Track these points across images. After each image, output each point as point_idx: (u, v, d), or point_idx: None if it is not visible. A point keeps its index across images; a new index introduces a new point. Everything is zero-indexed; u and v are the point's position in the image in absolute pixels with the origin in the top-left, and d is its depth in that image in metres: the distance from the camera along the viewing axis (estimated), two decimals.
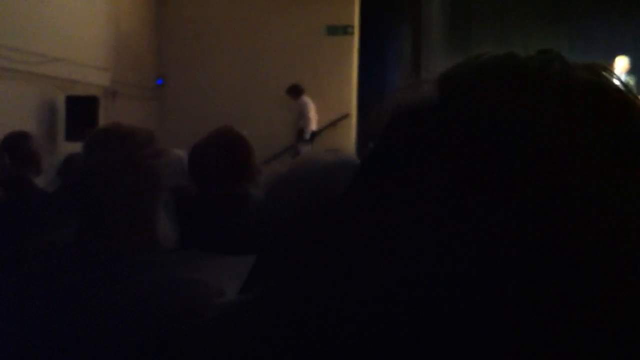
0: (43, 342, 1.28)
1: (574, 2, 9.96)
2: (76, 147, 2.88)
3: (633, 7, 9.81)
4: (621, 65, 8.71)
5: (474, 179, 0.43)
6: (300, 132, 9.23)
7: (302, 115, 9.24)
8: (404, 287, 0.43)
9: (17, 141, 3.70)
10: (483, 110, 0.44)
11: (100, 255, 1.34)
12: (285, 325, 0.50)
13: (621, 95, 0.46)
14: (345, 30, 9.58)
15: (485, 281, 0.41)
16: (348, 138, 9.40)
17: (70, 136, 7.26)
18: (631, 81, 8.70)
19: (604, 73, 0.47)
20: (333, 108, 9.57)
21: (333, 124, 9.57)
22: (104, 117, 7.91)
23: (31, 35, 7.01)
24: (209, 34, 9.68)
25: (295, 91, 9.23)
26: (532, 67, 0.47)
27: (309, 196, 1.24)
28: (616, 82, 0.47)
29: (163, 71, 9.92)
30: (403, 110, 0.48)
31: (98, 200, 1.36)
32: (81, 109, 7.52)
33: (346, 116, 9.66)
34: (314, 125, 9.30)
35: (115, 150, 1.36)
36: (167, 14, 9.88)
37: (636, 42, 9.80)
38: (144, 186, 1.36)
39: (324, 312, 0.47)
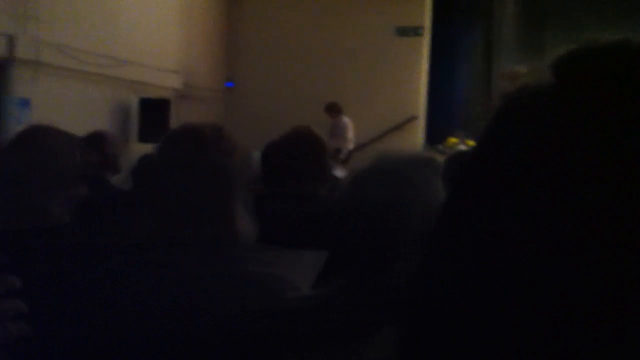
0: (133, 332, 1.31)
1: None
2: (148, 148, 2.94)
3: None
4: None
5: (595, 170, 0.40)
6: (337, 152, 8.46)
7: (341, 135, 8.85)
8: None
9: (97, 140, 3.79)
10: (606, 95, 0.42)
11: (173, 250, 1.36)
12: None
13: None
14: (416, 31, 9.51)
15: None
16: (415, 140, 9.33)
17: (143, 138, 7.43)
18: None
19: None
20: (400, 110, 9.51)
21: (400, 126, 9.51)
22: (175, 119, 8.08)
23: (105, 38, 7.21)
24: (279, 37, 9.76)
25: (334, 110, 8.98)
26: None
27: (392, 189, 1.23)
28: None
29: (233, 74, 10.06)
30: (516, 95, 0.45)
31: (170, 196, 1.38)
32: (153, 111, 7.69)
33: (414, 118, 9.59)
34: (350, 146, 9.01)
35: (185, 147, 1.38)
36: (237, 17, 10.02)
37: None
38: (215, 181, 1.37)
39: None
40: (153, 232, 1.40)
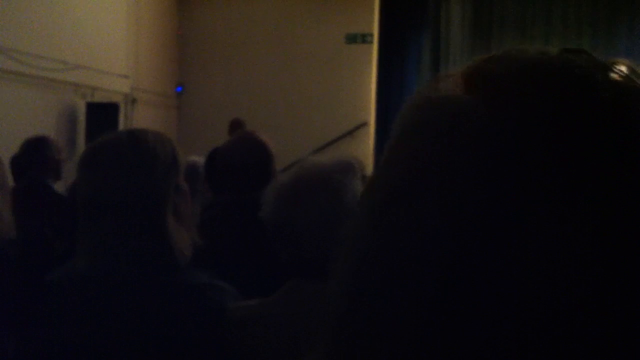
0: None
1: (596, 11, 9.90)
2: None
3: None
4: None
5: (500, 176, 0.42)
6: None
7: None
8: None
9: (39, 145, 3.72)
10: (513, 105, 0.43)
11: (109, 265, 1.34)
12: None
13: None
14: (364, 38, 9.59)
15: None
16: (366, 147, 9.39)
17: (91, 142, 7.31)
18: None
19: (630, 72, 0.46)
20: (351, 116, 9.56)
21: (350, 132, 9.56)
22: (124, 124, 7.96)
23: (52, 42, 7.08)
24: (229, 42, 9.73)
25: (234, 127, 8.25)
26: (576, 66, 0.46)
27: (320, 202, 1.24)
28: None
29: (183, 79, 9.98)
30: (426, 104, 0.46)
31: (100, 212, 1.35)
32: (101, 116, 7.57)
33: (364, 125, 9.65)
34: None
35: (106, 162, 1.34)
36: (187, 22, 9.95)
37: None
38: (142, 196, 1.34)
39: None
40: (89, 244, 1.38)
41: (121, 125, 7.79)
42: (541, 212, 0.41)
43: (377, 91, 9.70)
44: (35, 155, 3.63)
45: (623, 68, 0.46)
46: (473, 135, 0.43)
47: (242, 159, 2.08)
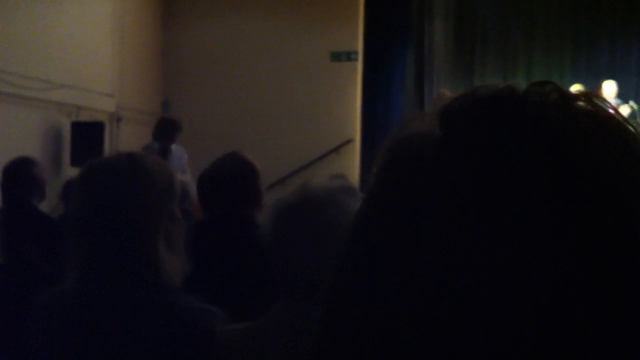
0: None
1: (578, 28, 10.02)
2: None
3: (636, 31, 9.87)
4: (610, 89, 8.73)
5: (475, 211, 0.44)
6: None
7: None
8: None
9: (20, 166, 3.70)
10: (484, 144, 0.46)
11: (110, 284, 1.34)
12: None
13: (616, 122, 0.48)
14: (349, 56, 9.64)
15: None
16: (352, 164, 9.41)
17: (76, 162, 7.28)
18: (635, 106, 8.73)
19: (598, 101, 0.49)
20: (336, 133, 9.59)
21: (336, 149, 9.58)
22: (110, 143, 7.93)
23: (36, 61, 7.06)
24: (213, 59, 9.75)
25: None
26: (531, 100, 0.48)
27: (326, 223, 1.24)
28: (609, 108, 0.48)
29: (168, 96, 9.97)
30: (404, 145, 0.49)
31: (91, 237, 1.34)
32: (86, 135, 7.55)
33: (349, 142, 9.67)
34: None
35: (100, 187, 1.34)
36: (171, 39, 9.96)
37: (638, 64, 9.86)
38: (133, 222, 1.34)
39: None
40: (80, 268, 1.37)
41: (106, 144, 7.75)
42: (507, 243, 0.43)
43: (362, 108, 9.75)
44: (19, 175, 3.61)
45: (590, 97, 0.49)
46: (441, 172, 0.46)
47: (228, 178, 2.08)
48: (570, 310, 0.42)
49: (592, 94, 0.49)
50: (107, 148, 7.68)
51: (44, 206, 3.87)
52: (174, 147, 7.36)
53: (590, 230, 0.43)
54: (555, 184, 0.44)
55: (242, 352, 1.36)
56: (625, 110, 8.60)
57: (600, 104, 0.48)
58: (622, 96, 8.71)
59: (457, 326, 0.43)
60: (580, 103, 0.48)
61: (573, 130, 0.46)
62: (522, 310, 0.42)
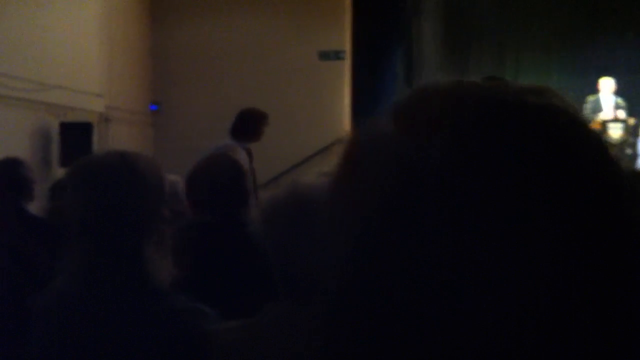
0: None
1: (568, 21, 10.06)
2: None
3: (625, 27, 9.92)
4: (607, 85, 8.76)
5: (425, 203, 0.45)
6: None
7: None
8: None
9: (8, 167, 3.68)
10: (436, 139, 0.47)
11: (92, 296, 1.33)
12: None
13: (569, 117, 0.49)
14: (338, 55, 9.64)
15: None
16: None
17: (65, 162, 7.25)
18: (621, 102, 8.77)
19: (553, 96, 0.49)
20: (326, 133, 9.59)
21: (326, 148, 9.58)
22: (99, 143, 7.91)
23: (24, 62, 7.03)
24: (202, 59, 9.73)
25: None
26: (483, 93, 0.49)
27: (307, 223, 1.24)
28: (566, 104, 0.49)
29: (157, 97, 9.94)
30: (360, 140, 0.52)
31: (80, 241, 1.34)
32: (75, 135, 7.52)
33: (339, 141, 9.67)
34: None
35: (89, 188, 1.34)
36: (160, 39, 9.93)
37: (627, 62, 9.90)
38: (123, 226, 1.33)
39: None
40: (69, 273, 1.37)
41: (95, 145, 7.73)
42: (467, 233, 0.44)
43: (352, 107, 9.75)
44: (7, 176, 3.60)
45: (548, 93, 0.50)
46: (396, 167, 0.47)
47: (215, 179, 2.08)
48: (567, 310, 0.43)
49: (549, 89, 0.50)
50: (97, 149, 7.66)
51: (33, 207, 3.85)
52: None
53: (577, 228, 0.44)
54: (544, 182, 0.45)
55: (236, 350, 1.36)
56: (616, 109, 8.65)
57: (556, 98, 0.49)
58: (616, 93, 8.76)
59: (457, 326, 0.44)
60: (533, 98, 0.49)
61: (521, 124, 0.47)
62: (522, 310, 0.43)
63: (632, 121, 8.60)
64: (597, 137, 0.48)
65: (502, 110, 0.47)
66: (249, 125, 5.91)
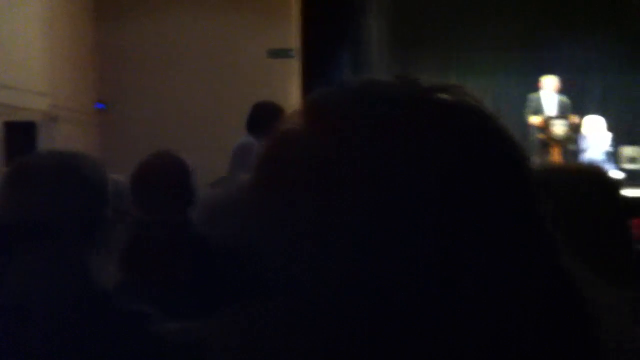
0: None
1: (513, 21, 10.24)
2: None
3: (571, 27, 10.15)
4: (549, 83, 8.95)
5: (330, 194, 0.47)
6: None
7: None
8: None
9: None
10: (342, 135, 0.49)
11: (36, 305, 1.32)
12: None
13: (476, 112, 0.51)
14: (287, 53, 9.64)
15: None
16: None
17: (9, 163, 7.09)
18: (565, 100, 8.98)
19: (462, 93, 0.52)
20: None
21: None
22: (44, 143, 7.76)
23: None
24: (150, 57, 9.62)
25: None
26: (391, 91, 0.52)
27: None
28: (474, 101, 0.52)
29: (105, 96, 9.80)
30: (276, 138, 0.54)
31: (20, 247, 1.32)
32: (19, 135, 7.37)
33: None
34: None
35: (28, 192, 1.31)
36: (105, 37, 9.78)
37: (572, 61, 10.14)
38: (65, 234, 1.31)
39: None
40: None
41: (40, 144, 7.58)
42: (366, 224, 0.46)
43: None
44: None
45: (454, 90, 0.52)
46: (307, 164, 0.49)
47: (160, 177, 2.06)
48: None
49: (456, 86, 0.52)
50: (42, 148, 7.52)
51: None
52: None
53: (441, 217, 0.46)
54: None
55: (182, 351, 1.36)
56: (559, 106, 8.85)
57: (461, 95, 0.51)
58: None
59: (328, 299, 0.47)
60: (438, 95, 0.51)
61: (425, 119, 0.49)
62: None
63: (575, 119, 8.82)
64: (504, 132, 0.50)
65: (409, 107, 0.49)
66: (262, 119, 5.74)
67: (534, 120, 8.74)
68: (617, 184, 1.39)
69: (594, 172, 1.24)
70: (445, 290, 0.45)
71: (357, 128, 0.49)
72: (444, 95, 0.51)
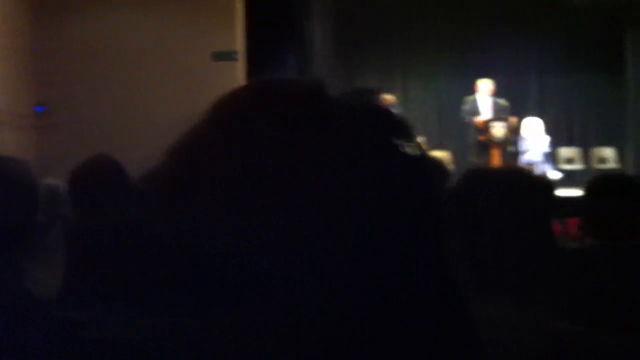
0: None
1: (454, 23, 10.42)
2: None
3: (510, 29, 10.37)
4: (484, 87, 9.16)
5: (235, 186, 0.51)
6: None
7: None
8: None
9: None
10: (238, 132, 0.53)
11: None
12: None
13: (386, 114, 0.54)
14: (230, 56, 9.61)
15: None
16: None
17: None
18: (504, 102, 9.18)
19: (370, 97, 0.55)
20: None
21: None
22: None
23: None
24: (92, 58, 9.45)
25: None
26: (282, 89, 0.55)
27: None
28: (373, 99, 0.55)
29: (44, 97, 9.58)
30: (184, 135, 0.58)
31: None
32: None
33: None
34: None
35: None
36: (43, 37, 9.56)
37: (510, 63, 10.35)
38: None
39: None
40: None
41: None
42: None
43: None
44: None
45: (366, 94, 0.56)
46: (205, 158, 0.55)
47: (95, 179, 2.05)
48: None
49: (369, 90, 0.54)
50: None
51: None
52: None
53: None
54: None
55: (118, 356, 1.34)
56: (496, 106, 9.03)
57: (372, 99, 0.54)
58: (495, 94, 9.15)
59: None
60: (352, 97, 0.54)
61: (333, 119, 0.51)
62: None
63: (514, 120, 9.02)
64: (404, 128, 0.52)
65: (300, 104, 0.52)
66: None
67: (474, 121, 8.92)
68: (549, 185, 1.43)
69: (524, 173, 1.28)
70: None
71: (252, 128, 0.51)
72: (350, 97, 0.52)
